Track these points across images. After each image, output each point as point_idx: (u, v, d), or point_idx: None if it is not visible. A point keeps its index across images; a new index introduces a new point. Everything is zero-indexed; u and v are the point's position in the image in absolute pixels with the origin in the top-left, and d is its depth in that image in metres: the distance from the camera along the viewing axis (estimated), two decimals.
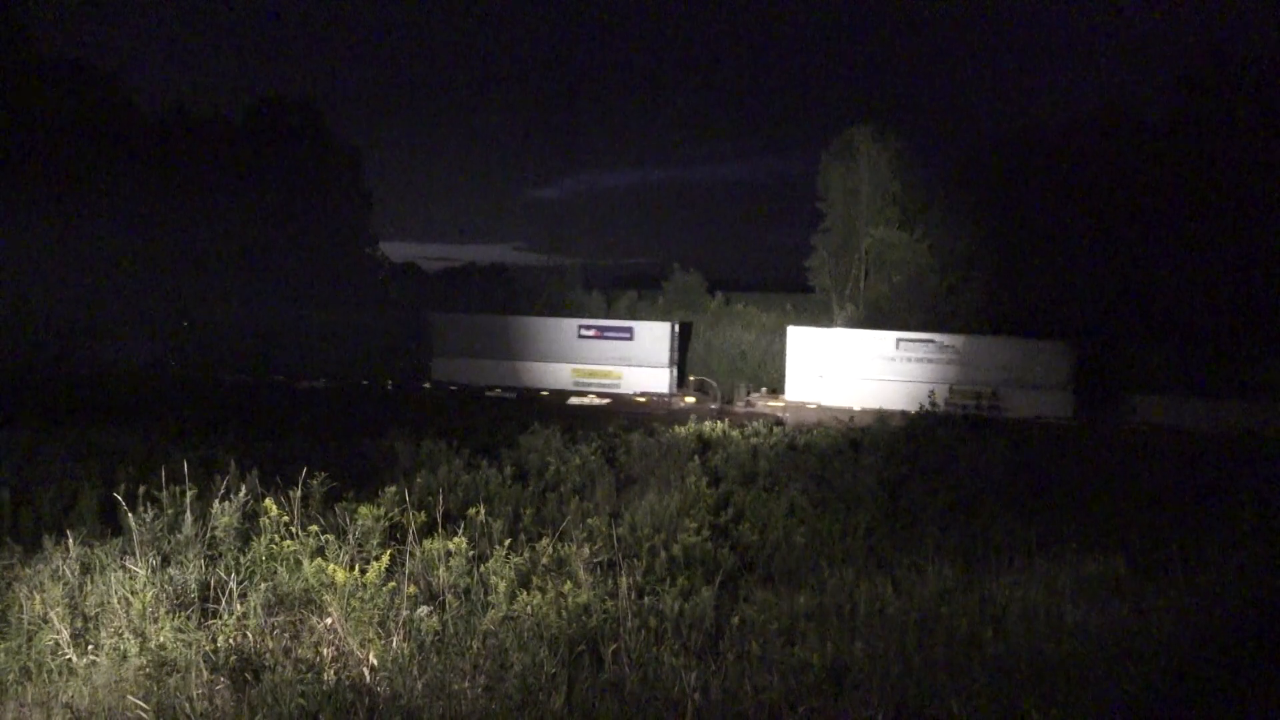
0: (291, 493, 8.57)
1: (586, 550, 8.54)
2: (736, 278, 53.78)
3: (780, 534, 10.40)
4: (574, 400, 30.96)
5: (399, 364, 35.23)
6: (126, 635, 6.45)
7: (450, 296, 43.05)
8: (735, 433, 19.05)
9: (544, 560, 8.45)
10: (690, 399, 31.68)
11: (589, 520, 10.33)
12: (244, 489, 8.63)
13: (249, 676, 6.09)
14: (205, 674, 6.01)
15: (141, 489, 8.16)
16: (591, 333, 33.31)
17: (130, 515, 7.70)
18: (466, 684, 6.01)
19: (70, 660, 6.36)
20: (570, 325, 33.73)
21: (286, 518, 8.01)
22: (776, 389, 32.50)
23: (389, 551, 7.53)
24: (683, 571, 8.58)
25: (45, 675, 6.29)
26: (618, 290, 43.82)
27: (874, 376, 30.66)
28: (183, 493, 8.15)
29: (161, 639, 6.34)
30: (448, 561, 7.73)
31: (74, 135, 40.87)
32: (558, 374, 33.19)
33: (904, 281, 36.41)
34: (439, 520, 8.74)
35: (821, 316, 38.26)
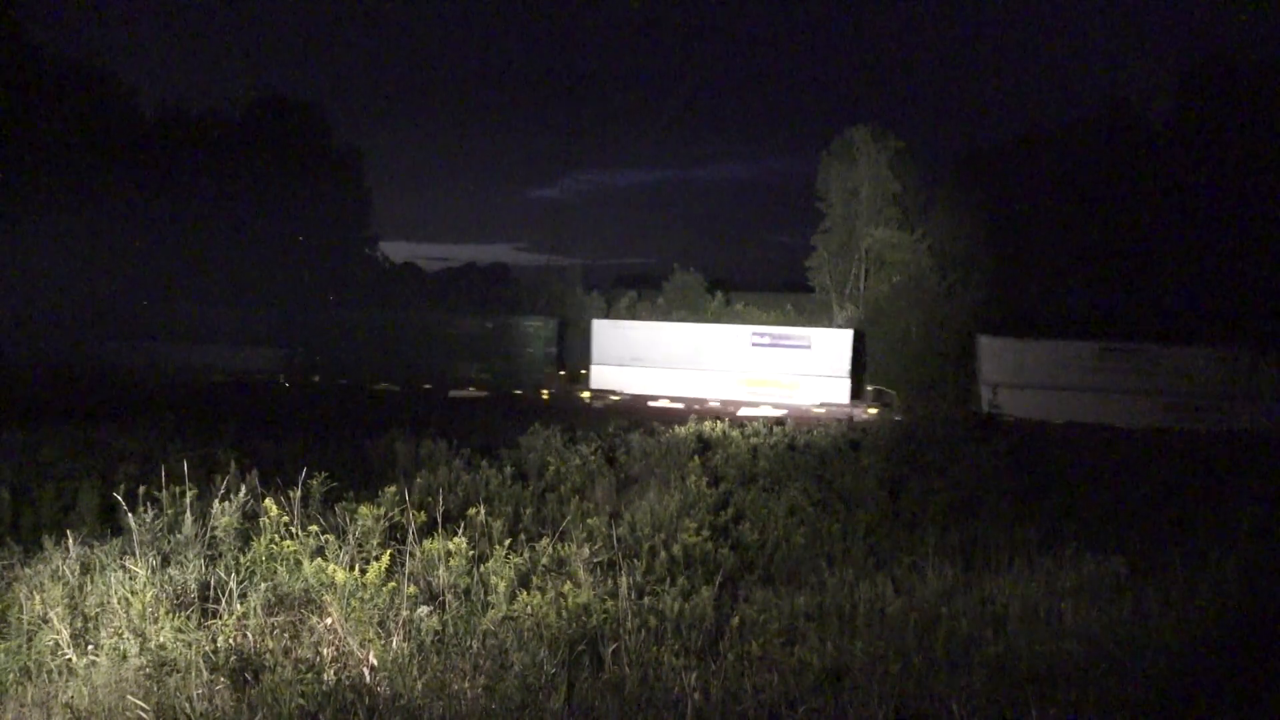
0: (291, 493, 8.58)
1: (586, 550, 8.54)
2: (736, 278, 53.80)
3: (780, 534, 10.40)
4: (745, 412, 28.25)
5: (550, 373, 33.59)
6: (126, 635, 6.45)
7: (450, 297, 43.07)
8: (735, 433, 19.04)
9: (544, 560, 8.45)
10: (872, 410, 29.54)
11: (589, 520, 10.33)
12: (244, 489, 8.64)
13: (249, 676, 6.09)
14: (205, 674, 6.01)
15: (141, 489, 8.17)
16: (765, 340, 31.55)
17: (130, 515, 7.70)
18: (466, 684, 6.01)
19: (70, 660, 6.35)
20: (742, 333, 31.99)
21: (286, 518, 8.01)
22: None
23: (389, 551, 7.54)
24: (683, 571, 8.58)
25: (45, 675, 6.29)
26: (618, 290, 43.83)
27: (1074, 386, 28.40)
28: (183, 493, 8.16)
29: (161, 639, 6.34)
30: (448, 561, 7.73)
31: (74, 135, 40.87)
32: (727, 384, 31.31)
33: (904, 281, 36.41)
34: (439, 520, 8.74)
35: (821, 316, 38.28)
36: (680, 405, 29.49)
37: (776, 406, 29.54)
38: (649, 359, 32.34)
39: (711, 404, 29.94)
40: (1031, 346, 29.57)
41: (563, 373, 34.34)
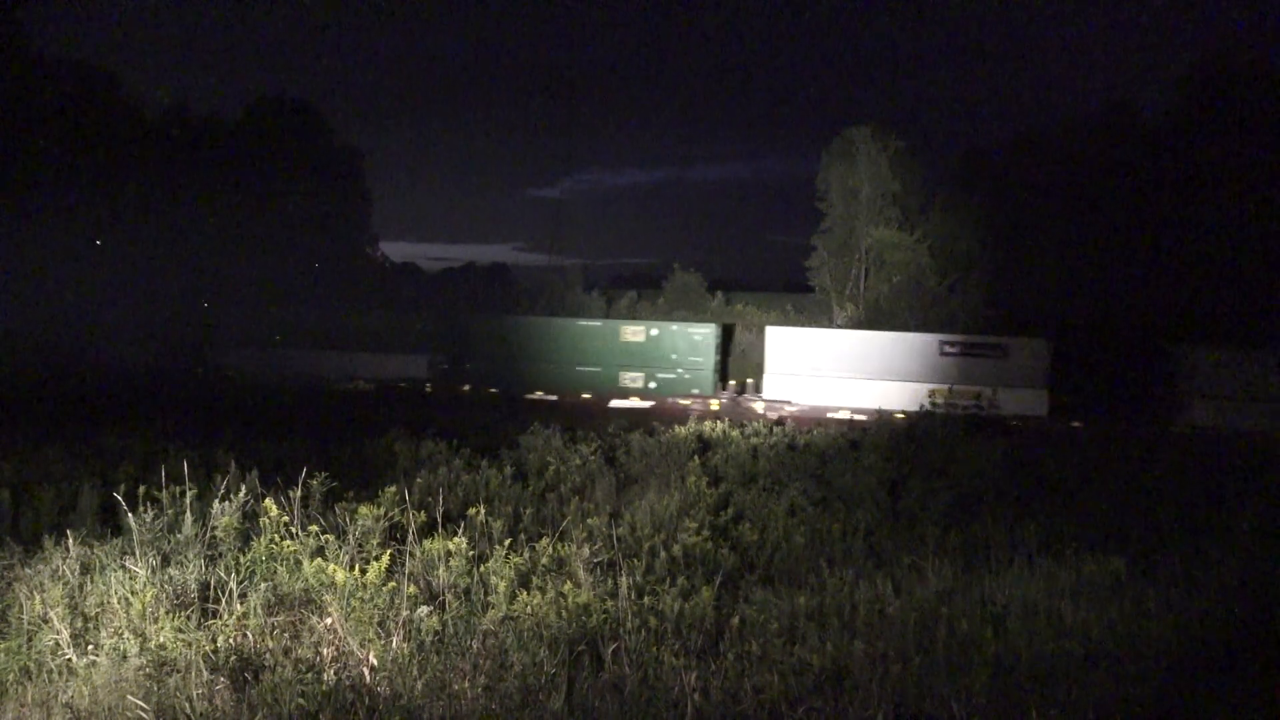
0: (291, 493, 8.58)
1: (586, 550, 8.54)
2: (736, 278, 53.87)
3: (780, 534, 10.39)
4: None
5: (716, 381, 32.42)
6: (126, 635, 6.45)
7: (450, 297, 43.09)
8: (735, 433, 19.04)
9: (544, 560, 8.45)
10: (1076, 424, 27.57)
11: (589, 520, 10.32)
12: (244, 489, 8.64)
13: (249, 676, 6.09)
14: (205, 674, 6.01)
15: (141, 489, 8.17)
16: (955, 349, 30.08)
17: (130, 515, 7.71)
18: (466, 684, 6.01)
19: (70, 660, 6.35)
20: (930, 341, 30.55)
21: (286, 518, 8.01)
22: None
23: (389, 551, 7.54)
24: (683, 571, 8.57)
25: (45, 675, 6.29)
26: (618, 290, 43.86)
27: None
28: (183, 493, 8.16)
29: (161, 639, 6.34)
30: (448, 561, 7.73)
31: (74, 135, 40.88)
32: (914, 393, 29.54)
33: (904, 281, 36.43)
34: (439, 520, 8.75)
35: (821, 316, 38.29)
36: (863, 417, 27.10)
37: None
38: (827, 368, 30.77)
39: (898, 415, 27.37)
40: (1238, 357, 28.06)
41: (732, 381, 33.21)
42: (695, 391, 31.51)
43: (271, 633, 6.67)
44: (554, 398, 31.14)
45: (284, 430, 17.68)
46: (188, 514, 7.86)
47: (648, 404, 30.17)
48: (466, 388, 33.38)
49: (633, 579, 7.86)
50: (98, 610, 6.88)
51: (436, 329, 35.58)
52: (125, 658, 6.22)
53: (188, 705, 5.70)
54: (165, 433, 16.35)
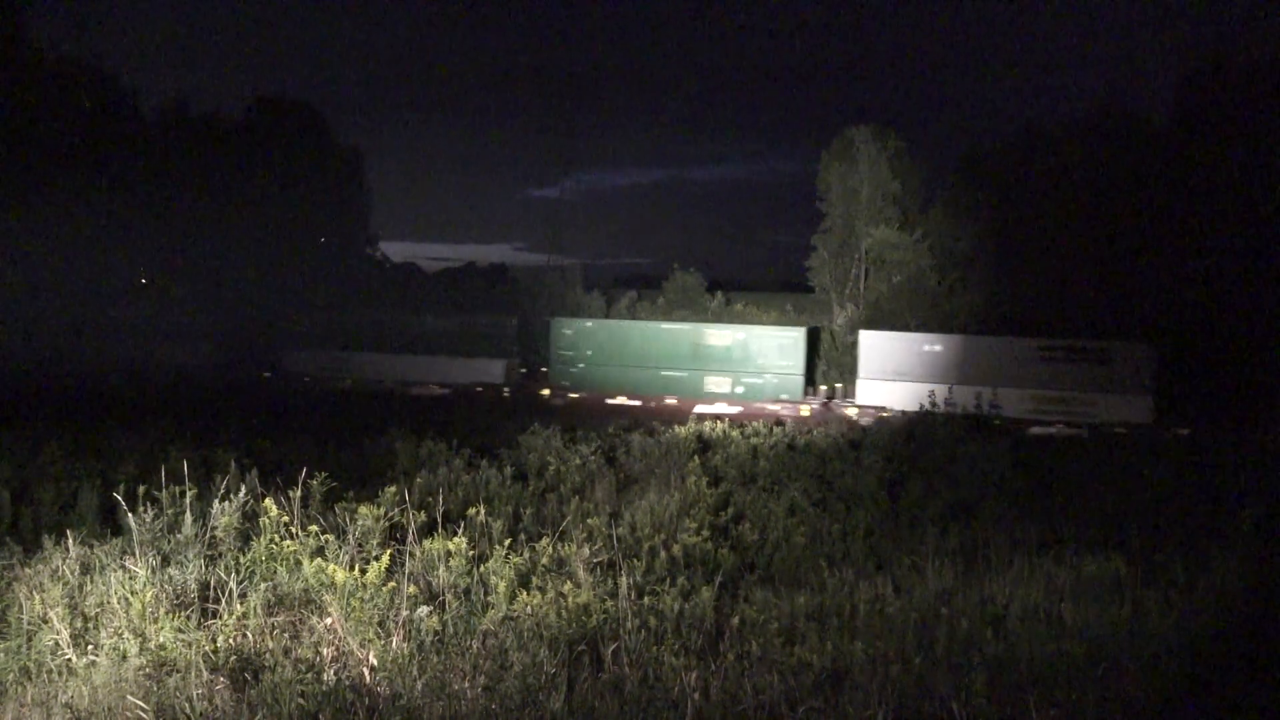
0: (291, 493, 8.58)
1: (586, 550, 8.54)
2: (736, 278, 53.80)
3: (780, 534, 10.39)
4: (1037, 430, 25.70)
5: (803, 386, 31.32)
6: (126, 635, 6.45)
7: (450, 297, 43.08)
8: (735, 433, 19.04)
9: (544, 560, 8.45)
10: (1184, 431, 25.97)
11: (589, 520, 10.33)
12: (244, 489, 8.64)
13: (249, 676, 6.09)
14: (205, 674, 6.02)
15: (141, 489, 8.17)
16: (1054, 354, 29.06)
17: (130, 515, 7.71)
18: (466, 684, 6.01)
19: (70, 660, 6.36)
20: (1027, 346, 29.51)
21: (286, 518, 8.01)
22: None
23: (389, 551, 7.54)
24: (683, 571, 8.57)
25: (45, 675, 6.29)
26: (618, 290, 43.85)
27: None
28: (183, 493, 8.16)
29: (161, 639, 6.35)
30: (448, 561, 7.73)
31: (74, 135, 40.89)
32: (1012, 399, 28.73)
33: (904, 281, 36.42)
34: (439, 520, 8.75)
35: (822, 316, 38.28)
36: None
37: (1070, 425, 26.77)
38: (921, 372, 29.78)
39: (995, 421, 26.67)
40: None
41: (823, 386, 32.26)
42: (784, 397, 30.61)
43: (271, 633, 6.67)
44: (637, 402, 30.30)
45: (284, 430, 17.68)
46: (188, 514, 7.86)
47: (735, 409, 28.92)
48: (546, 392, 32.53)
49: (633, 579, 7.86)
50: (97, 610, 6.88)
51: (515, 332, 34.84)
52: (125, 658, 6.22)
53: (188, 705, 5.70)
54: (166, 432, 16.34)
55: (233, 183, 42.98)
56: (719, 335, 31.98)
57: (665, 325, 33.68)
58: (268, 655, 6.33)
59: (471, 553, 8.06)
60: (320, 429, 17.96)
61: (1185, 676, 6.47)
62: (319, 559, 7.24)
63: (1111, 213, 34.13)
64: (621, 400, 30.70)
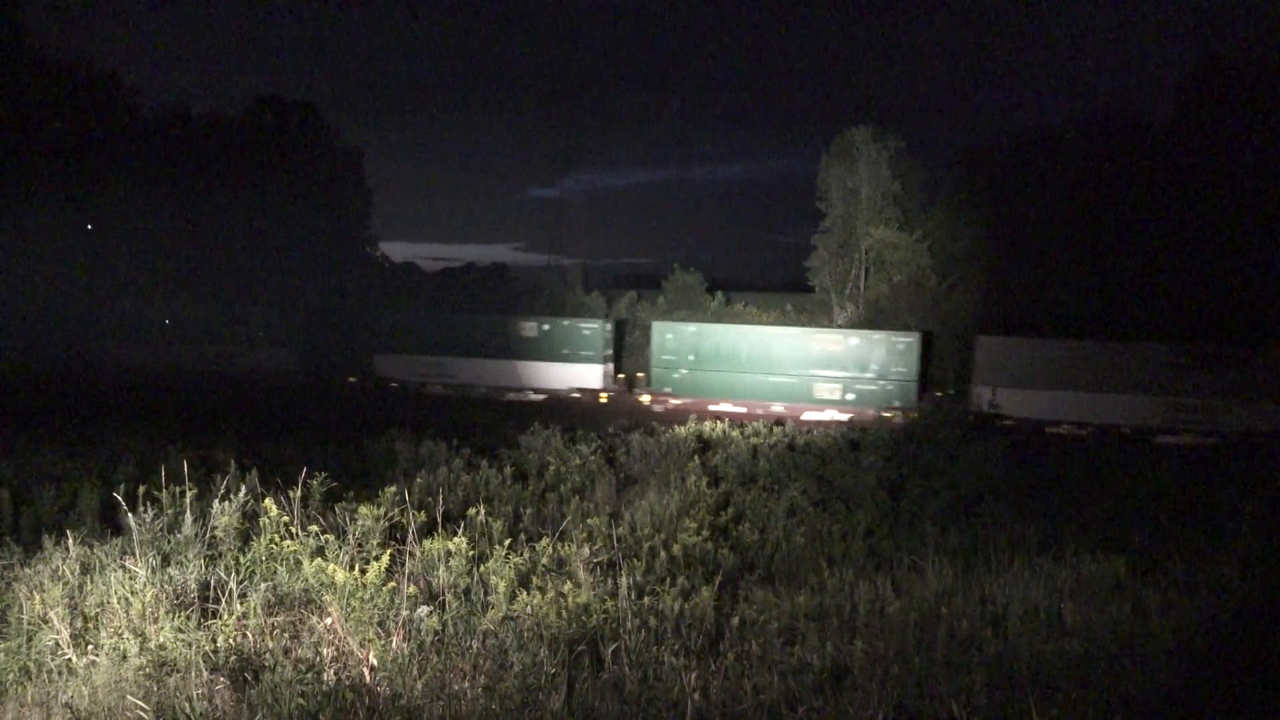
0: (291, 493, 8.58)
1: (586, 550, 8.54)
2: (736, 278, 53.79)
3: (780, 534, 10.40)
4: (1166, 439, 25.22)
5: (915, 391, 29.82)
6: (126, 635, 6.45)
7: (450, 297, 43.08)
8: (735, 433, 19.04)
9: (544, 560, 8.45)
10: None
11: (589, 520, 10.33)
12: (244, 489, 8.64)
13: (249, 676, 6.09)
14: (205, 674, 6.01)
15: (141, 489, 8.16)
16: (1189, 359, 27.11)
17: (130, 515, 7.70)
18: (466, 684, 6.01)
19: (70, 660, 6.35)
20: (1159, 350, 27.77)
21: (286, 518, 8.01)
22: None
23: (389, 551, 7.54)
24: (683, 571, 8.58)
25: (45, 675, 6.29)
26: (618, 290, 43.86)
27: None
28: (183, 493, 8.16)
29: (161, 639, 6.34)
30: (448, 561, 7.73)
31: (74, 135, 40.90)
32: (1140, 407, 27.12)
33: (904, 281, 36.41)
34: (439, 520, 8.75)
35: (822, 316, 38.28)
36: (1082, 433, 25.92)
37: (1202, 434, 25.89)
38: (1045, 378, 28.23)
39: (1122, 430, 25.98)
40: None
41: (938, 394, 31.02)
42: (897, 404, 29.44)
43: (271, 633, 6.67)
44: (742, 409, 29.32)
45: (285, 430, 17.68)
46: (188, 514, 7.86)
47: (845, 416, 28.20)
48: (646, 399, 31.49)
49: (633, 579, 7.86)
50: (98, 610, 6.88)
51: (608, 336, 33.37)
52: (125, 658, 6.22)
53: (188, 705, 5.70)
54: (165, 432, 16.35)
55: (233, 183, 42.97)
56: (830, 339, 30.80)
57: (773, 329, 32.56)
58: (268, 655, 6.33)
59: (471, 553, 8.06)
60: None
61: (1185, 676, 6.47)
62: (319, 559, 7.24)
63: (1111, 212, 34.12)
64: (725, 406, 29.43)
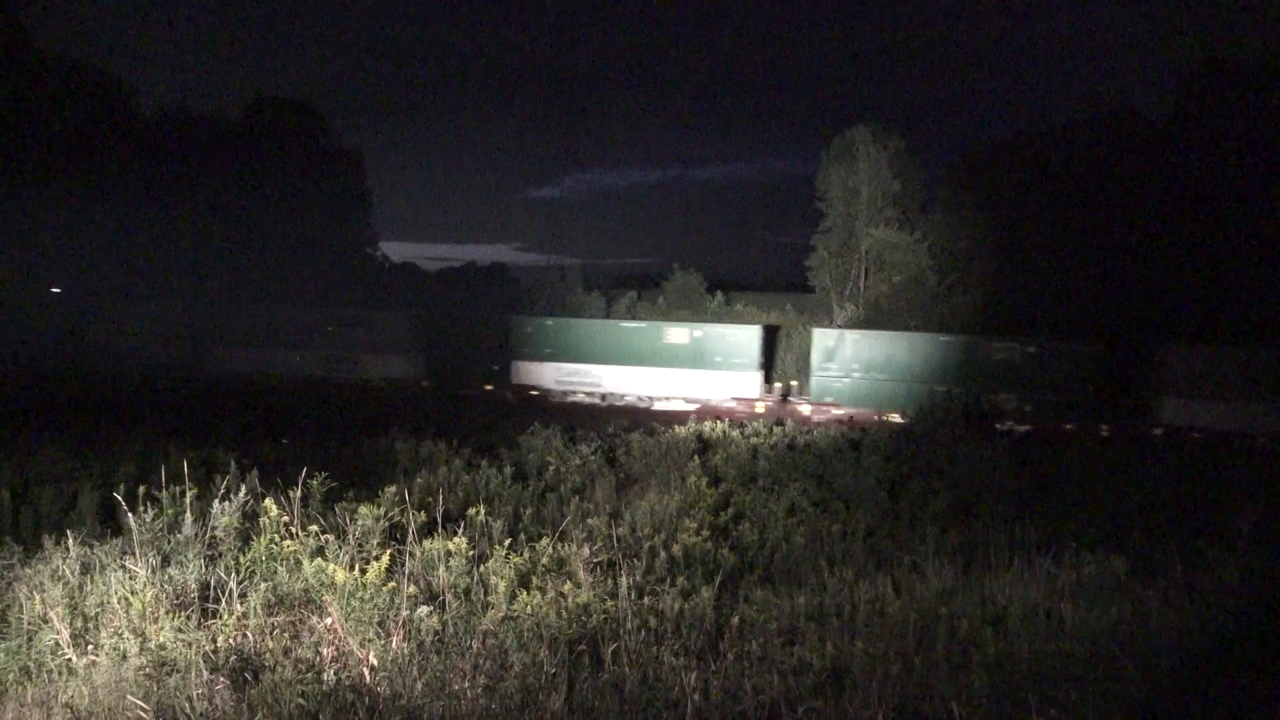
0: (291, 493, 8.57)
1: (586, 550, 8.54)
2: (736, 278, 53.78)
3: (780, 534, 10.40)
4: None
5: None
6: (126, 635, 6.45)
7: (450, 297, 43.09)
8: (735, 433, 19.04)
9: (544, 560, 8.45)
10: None
11: (589, 520, 10.33)
12: (244, 489, 8.64)
13: (249, 676, 6.09)
14: (205, 674, 6.01)
15: (141, 489, 8.16)
16: None
17: (130, 515, 7.70)
18: (466, 684, 6.01)
19: (70, 660, 6.35)
20: None
21: (286, 518, 8.01)
22: None
23: (389, 551, 7.54)
24: (683, 571, 8.58)
25: (45, 675, 6.29)
26: (618, 290, 43.87)
27: None
28: (183, 493, 8.16)
29: (161, 639, 6.34)
30: (448, 561, 7.73)
31: (74, 135, 40.90)
32: None
33: (904, 281, 36.42)
34: (439, 520, 8.74)
35: (821, 316, 38.29)
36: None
37: None
38: (1240, 389, 26.39)
39: None
40: None
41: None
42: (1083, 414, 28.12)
43: (271, 633, 6.67)
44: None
45: (284, 430, 17.68)
46: (188, 514, 7.86)
47: (1024, 427, 26.44)
48: (807, 410, 29.90)
49: (633, 579, 7.86)
50: (98, 610, 6.87)
51: (763, 342, 31.85)
52: (125, 658, 6.22)
53: (188, 705, 5.70)
54: (165, 432, 16.35)
55: (232, 183, 42.96)
56: (1006, 348, 29.08)
57: (942, 337, 30.87)
58: (268, 655, 6.33)
59: (471, 553, 8.06)
60: None
61: (1185, 676, 6.47)
62: (319, 559, 7.24)
63: (1111, 212, 34.13)
64: (895, 418, 26.86)
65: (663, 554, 9.07)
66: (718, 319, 37.72)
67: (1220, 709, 5.99)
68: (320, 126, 46.66)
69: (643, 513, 11.09)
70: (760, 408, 29.86)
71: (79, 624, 6.71)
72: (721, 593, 8.05)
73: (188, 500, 8.06)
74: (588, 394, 31.97)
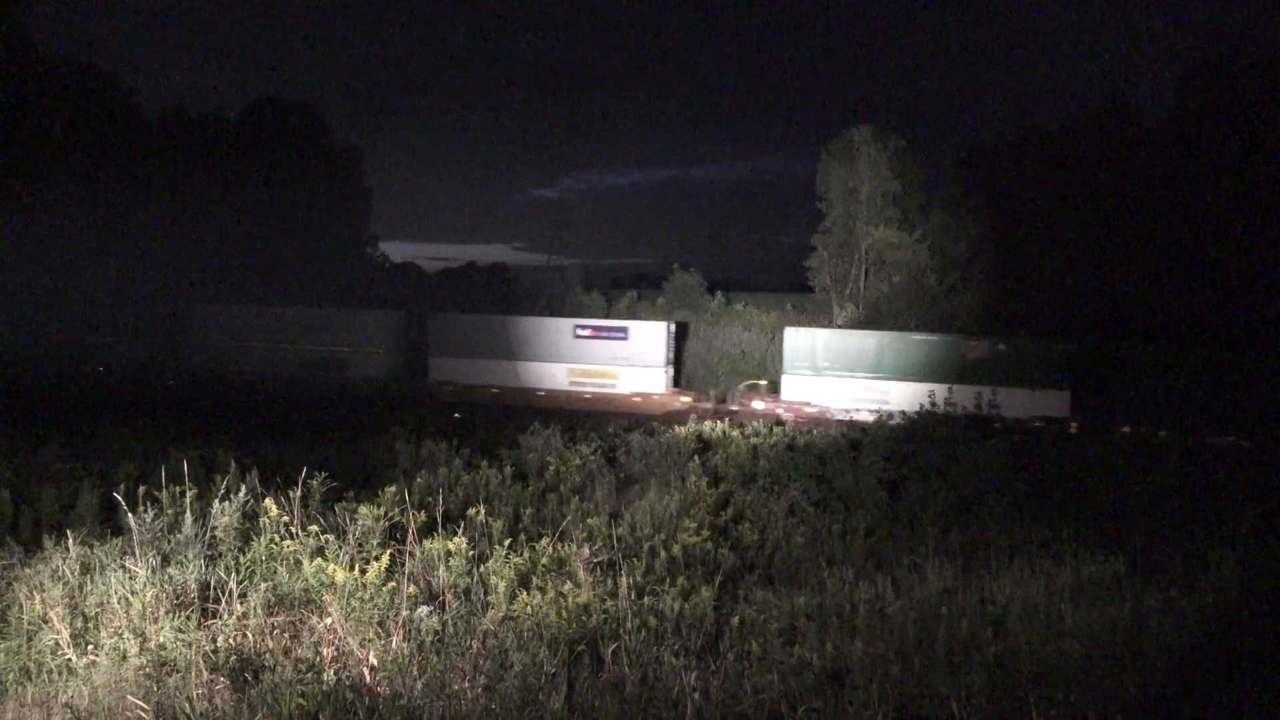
0: (291, 493, 8.58)
1: (586, 550, 8.54)
2: (736, 278, 53.72)
3: (780, 534, 10.40)
4: None
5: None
6: (126, 635, 6.45)
7: (450, 297, 43.07)
8: (735, 433, 19.02)
9: (544, 560, 8.45)
10: None
11: (589, 520, 10.33)
12: (244, 489, 8.64)
13: (249, 676, 6.09)
14: (205, 674, 6.01)
15: (141, 489, 8.17)
16: None
17: (130, 515, 7.70)
18: (466, 684, 6.01)
19: (70, 660, 6.35)
20: None
21: (286, 518, 8.01)
22: None
23: (389, 551, 7.53)
24: (683, 571, 8.58)
25: (45, 675, 6.29)
26: (618, 290, 43.86)
27: None
28: (183, 493, 8.16)
29: (161, 639, 6.34)
30: (448, 561, 7.73)
31: (74, 135, 40.89)
32: None
33: (904, 281, 36.40)
34: (439, 520, 8.74)
35: (821, 316, 38.26)
36: None
37: None
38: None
39: None
40: None
41: None
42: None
43: (271, 633, 6.67)
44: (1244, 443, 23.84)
45: (284, 430, 17.68)
46: (188, 514, 7.86)
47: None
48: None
49: (633, 579, 7.86)
50: (98, 610, 6.88)
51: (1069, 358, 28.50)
52: (125, 658, 6.22)
53: (188, 705, 5.70)
54: (165, 432, 16.35)
55: (233, 183, 42.94)
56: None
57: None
58: (268, 655, 6.33)
59: (471, 553, 8.06)
60: None
61: (1185, 676, 6.47)
62: (319, 559, 7.23)
63: (1111, 212, 34.11)
64: (1226, 439, 23.37)
65: (663, 554, 9.07)
66: (716, 318, 37.72)
67: (1220, 709, 5.99)
68: (320, 126, 46.63)
69: (642, 513, 11.09)
70: (1073, 426, 26.23)
71: (79, 624, 6.71)
72: (721, 593, 8.05)
73: (188, 500, 8.06)
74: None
